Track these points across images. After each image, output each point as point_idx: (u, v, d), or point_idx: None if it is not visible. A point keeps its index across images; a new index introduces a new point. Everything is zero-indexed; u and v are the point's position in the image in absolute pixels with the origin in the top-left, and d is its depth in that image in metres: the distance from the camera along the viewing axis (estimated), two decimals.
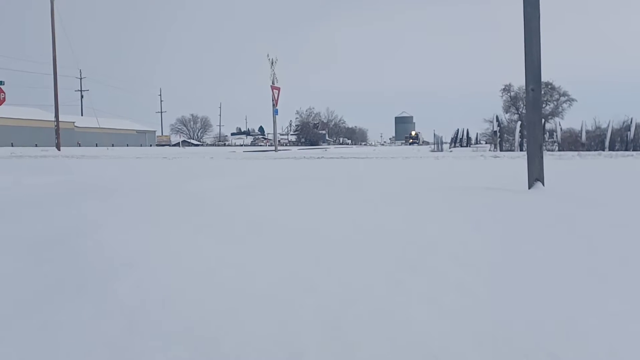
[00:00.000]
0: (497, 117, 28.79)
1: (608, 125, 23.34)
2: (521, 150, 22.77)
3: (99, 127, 43.78)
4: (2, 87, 21.17)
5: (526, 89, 4.07)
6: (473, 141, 38.94)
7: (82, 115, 68.61)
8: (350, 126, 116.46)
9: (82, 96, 74.44)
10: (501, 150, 26.06)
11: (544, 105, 33.67)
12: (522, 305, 1.62)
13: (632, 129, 22.82)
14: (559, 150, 22.45)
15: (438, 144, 34.86)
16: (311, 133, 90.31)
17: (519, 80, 35.96)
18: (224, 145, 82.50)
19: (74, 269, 1.98)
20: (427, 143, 75.75)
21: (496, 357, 1.33)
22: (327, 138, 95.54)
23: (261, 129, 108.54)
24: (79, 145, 50.24)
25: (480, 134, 38.81)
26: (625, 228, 2.61)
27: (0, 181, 5.50)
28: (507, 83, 37.44)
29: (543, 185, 3.95)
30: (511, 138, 27.88)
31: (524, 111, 30.72)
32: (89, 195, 4.07)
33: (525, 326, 1.47)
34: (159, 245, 2.31)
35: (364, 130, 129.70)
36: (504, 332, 1.44)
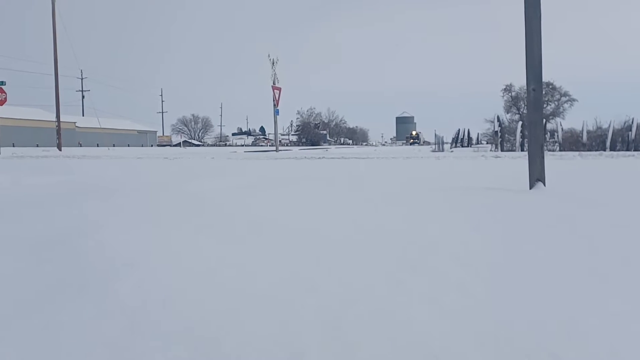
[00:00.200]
0: (498, 117, 28.77)
1: (609, 126, 23.33)
2: (522, 150, 22.76)
3: (100, 128, 43.84)
4: (3, 87, 21.18)
5: (527, 89, 4.07)
6: (474, 141, 38.89)
7: (83, 115, 68.65)
8: (351, 126, 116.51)
9: (83, 96, 74.53)
10: (502, 150, 26.04)
11: (545, 105, 33.66)
12: (523, 305, 1.62)
13: (634, 129, 22.79)
14: (560, 150, 22.44)
15: (439, 144, 34.84)
16: (312, 133, 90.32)
17: (520, 80, 35.98)
18: (225, 145, 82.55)
19: (75, 269, 1.98)
20: (428, 143, 75.77)
21: (497, 357, 1.33)
22: (328, 138, 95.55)
23: (262, 129, 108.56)
24: (80, 146, 50.31)
25: (481, 134, 38.78)
26: (626, 228, 2.60)
27: (1, 181, 5.51)
28: (508, 83, 37.49)
29: (544, 185, 3.95)
30: (512, 138, 27.88)
31: (525, 111, 30.73)
32: (90, 195, 4.08)
33: (526, 326, 1.47)
34: (159, 246, 2.31)
35: (365, 130, 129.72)
36: (505, 332, 1.44)
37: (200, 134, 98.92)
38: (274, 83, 25.95)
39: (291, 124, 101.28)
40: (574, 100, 37.95)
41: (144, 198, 3.94)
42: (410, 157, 13.05)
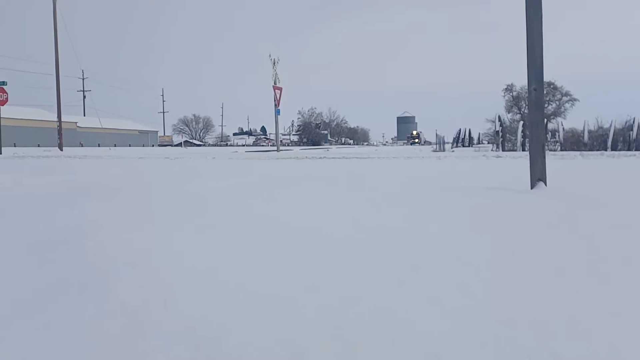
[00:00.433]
0: (499, 117, 28.77)
1: (610, 125, 23.32)
2: (523, 150, 22.74)
3: (101, 128, 43.86)
4: (4, 87, 21.19)
5: (528, 88, 4.07)
6: (475, 141, 38.89)
7: (84, 115, 68.70)
8: (352, 126, 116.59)
9: (84, 96, 74.55)
10: (503, 150, 26.02)
11: (546, 105, 33.61)
12: (524, 305, 1.62)
13: (635, 128, 22.78)
14: (561, 150, 22.43)
15: (440, 143, 34.86)
16: (313, 133, 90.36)
17: (520, 80, 36.00)
18: (226, 145, 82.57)
19: (76, 269, 1.99)
20: (429, 143, 75.72)
21: (498, 357, 1.33)
22: (329, 138, 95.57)
23: (263, 129, 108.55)
24: (82, 146, 50.32)
25: (482, 134, 38.78)
26: (627, 228, 2.60)
27: (2, 181, 5.52)
28: (510, 83, 37.53)
29: (545, 185, 3.95)
30: (513, 138, 27.87)
31: (526, 111, 30.66)
32: (92, 195, 4.08)
33: (527, 326, 1.47)
34: (161, 245, 2.32)
35: (366, 130, 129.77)
36: (506, 331, 1.44)
37: (201, 134, 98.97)
38: (275, 83, 25.94)
39: (292, 124, 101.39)
40: (575, 100, 37.98)
41: (146, 198, 3.94)
42: (411, 157, 13.05)
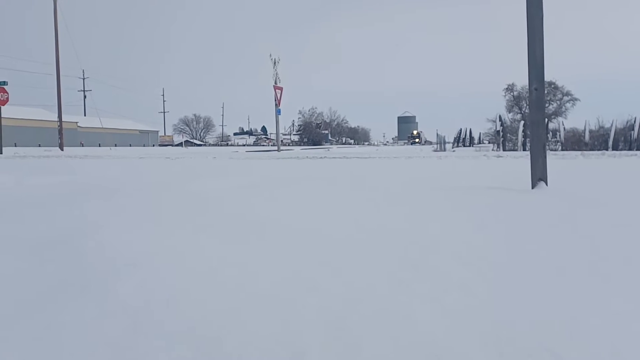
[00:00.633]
0: (500, 116, 28.75)
1: (611, 125, 23.30)
2: (524, 150, 22.73)
3: (102, 127, 43.91)
4: (5, 87, 21.20)
5: (529, 88, 4.07)
6: (476, 141, 38.88)
7: (85, 115, 68.74)
8: (352, 126, 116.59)
9: (85, 96, 74.55)
10: (504, 150, 26.01)
11: (547, 105, 33.60)
12: (525, 305, 1.62)
13: (636, 128, 22.76)
14: (562, 150, 22.41)
15: (441, 143, 34.88)
16: (314, 133, 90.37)
17: (521, 80, 36.00)
18: (227, 145, 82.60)
19: (77, 269, 1.99)
20: (430, 143, 75.70)
21: (500, 356, 1.32)
22: (329, 138, 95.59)
23: (264, 128, 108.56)
24: (82, 145, 50.37)
25: (483, 134, 38.78)
26: (628, 228, 2.60)
27: (3, 181, 5.52)
28: (510, 83, 37.52)
29: (546, 184, 3.95)
30: (514, 138, 27.87)
31: (527, 111, 30.67)
32: (92, 195, 4.08)
33: (528, 326, 1.47)
34: (162, 245, 2.32)
35: (367, 130, 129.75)
36: (507, 331, 1.44)
37: (201, 134, 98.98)
38: (275, 83, 25.93)
39: (293, 124, 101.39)
40: (576, 99, 37.97)
41: (146, 198, 3.95)
42: (412, 157, 13.04)
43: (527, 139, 22.44)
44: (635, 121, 23.10)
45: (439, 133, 37.58)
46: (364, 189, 4.44)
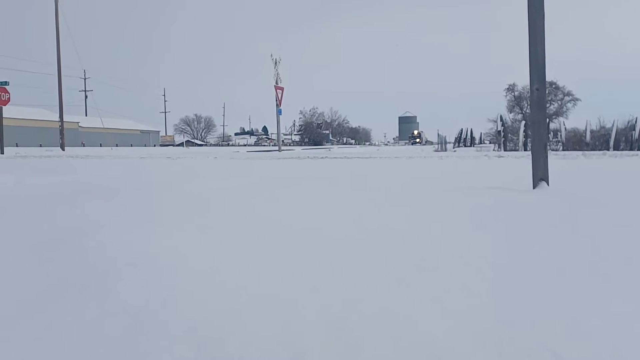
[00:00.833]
0: (501, 116, 28.69)
1: (613, 125, 23.26)
2: (525, 150, 22.71)
3: (103, 127, 43.96)
4: (6, 87, 21.22)
5: (530, 88, 4.06)
6: (477, 141, 38.85)
7: (86, 115, 68.84)
8: (353, 126, 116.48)
9: (86, 96, 74.67)
10: (505, 150, 25.98)
11: (548, 105, 33.55)
12: (526, 305, 1.61)
13: (637, 128, 22.73)
14: (563, 150, 22.38)
15: (442, 143, 34.84)
16: (315, 133, 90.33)
17: (523, 80, 35.97)
18: (228, 145, 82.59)
19: (77, 269, 1.99)
20: (431, 143, 75.66)
21: (500, 356, 1.32)
22: (330, 138, 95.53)
23: (265, 129, 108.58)
24: (83, 146, 50.41)
25: (484, 134, 38.73)
26: (629, 228, 2.60)
27: (4, 181, 5.53)
28: (511, 83, 37.47)
29: (547, 184, 3.94)
30: (515, 138, 27.83)
31: (528, 111, 30.66)
32: (93, 195, 4.09)
33: (529, 326, 1.47)
34: (163, 245, 2.32)
35: (368, 130, 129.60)
36: (508, 331, 1.44)
37: (202, 134, 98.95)
38: (276, 83, 25.93)
39: (294, 124, 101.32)
40: (577, 99, 37.91)
41: (148, 198, 3.95)
42: (413, 157, 13.03)
43: (528, 139, 22.42)
44: (636, 121, 23.06)
45: (439, 133, 37.53)
46: (365, 189, 4.44)
